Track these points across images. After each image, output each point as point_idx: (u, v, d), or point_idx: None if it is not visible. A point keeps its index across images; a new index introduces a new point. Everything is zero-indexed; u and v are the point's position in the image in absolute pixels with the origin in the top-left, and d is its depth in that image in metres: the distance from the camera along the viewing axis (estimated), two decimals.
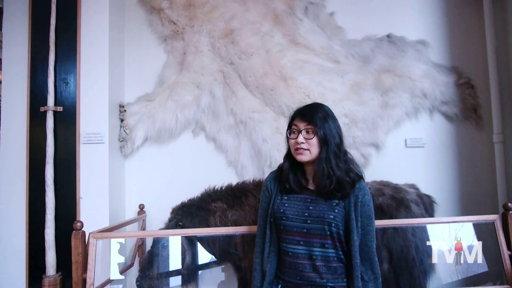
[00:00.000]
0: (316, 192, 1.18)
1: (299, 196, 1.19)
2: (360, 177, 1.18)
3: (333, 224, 1.10)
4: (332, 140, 1.14)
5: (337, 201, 1.14)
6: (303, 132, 1.15)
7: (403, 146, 2.54)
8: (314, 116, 1.15)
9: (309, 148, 1.15)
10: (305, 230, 1.13)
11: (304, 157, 1.16)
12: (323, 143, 1.13)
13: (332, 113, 1.20)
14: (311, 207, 1.15)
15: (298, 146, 1.15)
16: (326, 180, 1.12)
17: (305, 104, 1.27)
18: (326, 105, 1.23)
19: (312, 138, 1.14)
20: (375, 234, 1.16)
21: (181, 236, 1.74)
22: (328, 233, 1.10)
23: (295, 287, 1.14)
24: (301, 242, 1.13)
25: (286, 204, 1.18)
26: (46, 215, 2.02)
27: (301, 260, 1.13)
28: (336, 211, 1.12)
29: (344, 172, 1.14)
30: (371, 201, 1.16)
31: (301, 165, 1.22)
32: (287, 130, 1.23)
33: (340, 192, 1.13)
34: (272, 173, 1.31)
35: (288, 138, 1.22)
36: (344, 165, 1.16)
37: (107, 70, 2.22)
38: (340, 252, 1.11)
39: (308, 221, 1.13)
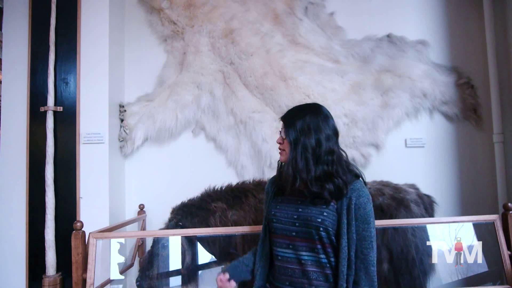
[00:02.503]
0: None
1: (291, 199, 1.16)
2: (357, 177, 1.12)
3: (321, 228, 1.04)
4: (302, 141, 1.07)
5: (327, 203, 1.07)
6: (282, 132, 1.15)
7: (403, 146, 2.54)
8: (288, 116, 1.15)
9: (285, 149, 1.13)
10: (293, 234, 1.09)
11: (282, 157, 1.16)
12: (292, 143, 1.09)
13: (318, 112, 1.13)
14: (300, 210, 1.11)
15: (278, 147, 1.17)
16: (290, 182, 1.07)
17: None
18: (317, 105, 1.17)
19: (285, 139, 1.13)
20: (375, 237, 1.06)
21: (181, 236, 1.74)
22: (317, 237, 1.05)
23: None
24: (290, 246, 1.10)
25: (278, 207, 1.16)
26: (46, 215, 2.02)
27: (290, 265, 1.09)
28: (325, 214, 1.06)
29: (321, 176, 1.06)
30: (369, 203, 1.06)
31: None
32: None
33: (318, 197, 1.06)
34: (273, 176, 1.30)
35: None
36: (322, 168, 1.06)
37: (107, 70, 2.22)
38: (333, 259, 1.05)
39: (297, 224, 1.09)
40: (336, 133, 1.14)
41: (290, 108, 1.21)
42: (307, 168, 1.06)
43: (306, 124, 1.09)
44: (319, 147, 1.08)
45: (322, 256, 1.06)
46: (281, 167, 1.21)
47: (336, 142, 1.13)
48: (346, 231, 1.04)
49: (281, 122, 1.17)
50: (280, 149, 1.17)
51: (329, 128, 1.11)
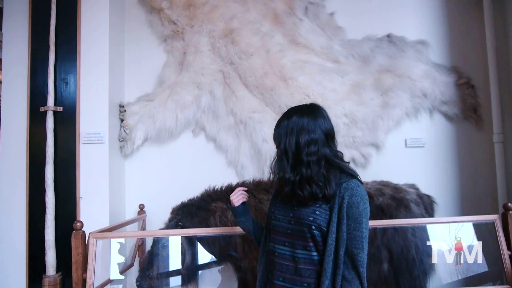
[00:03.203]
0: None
1: (289, 198, 1.15)
2: (353, 176, 1.08)
3: (313, 227, 1.05)
4: (283, 143, 1.08)
5: (319, 203, 1.06)
6: None
7: (403, 146, 2.54)
8: (279, 119, 1.14)
9: None
10: (289, 231, 1.11)
11: None
12: (276, 146, 1.12)
13: (306, 114, 1.09)
14: (295, 208, 1.12)
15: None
16: (282, 185, 1.09)
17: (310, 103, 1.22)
18: (308, 105, 1.14)
19: None
20: (367, 238, 1.03)
21: (181, 236, 1.74)
22: (309, 235, 1.06)
23: None
24: (286, 243, 1.12)
25: (277, 205, 1.18)
26: (46, 215, 2.02)
27: (285, 261, 1.11)
28: (317, 213, 1.05)
29: (295, 181, 1.05)
30: (362, 203, 1.03)
31: None
32: None
33: (299, 200, 1.07)
34: None
35: None
36: (300, 171, 1.05)
37: (107, 70, 2.22)
38: None
39: (292, 222, 1.10)
40: (327, 134, 1.09)
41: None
42: (282, 171, 1.07)
43: (290, 126, 1.08)
44: (298, 150, 1.06)
45: (315, 253, 1.06)
46: None
47: (326, 145, 1.09)
48: (336, 229, 1.03)
49: None
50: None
51: (316, 130, 1.07)
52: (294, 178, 1.06)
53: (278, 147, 1.11)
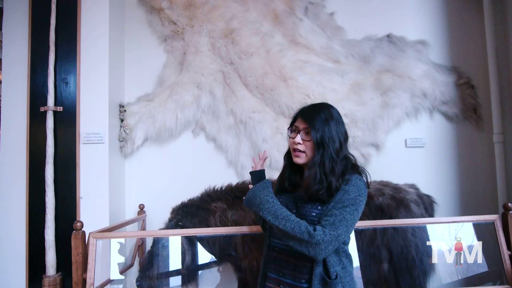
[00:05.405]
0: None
1: (293, 193, 1.19)
2: (358, 173, 1.15)
3: (315, 223, 1.06)
4: (330, 144, 1.09)
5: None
6: (302, 133, 1.13)
7: (403, 146, 2.54)
8: (314, 117, 1.11)
9: (305, 150, 1.12)
10: None
11: (300, 159, 1.14)
12: (319, 146, 1.09)
13: (338, 115, 1.16)
14: (299, 204, 1.14)
15: (295, 147, 1.14)
16: (317, 186, 1.07)
17: (310, 103, 1.23)
18: (333, 107, 1.18)
19: (309, 140, 1.11)
20: (345, 221, 1.03)
21: (181, 236, 1.74)
22: None
23: (276, 284, 1.13)
24: None
25: (280, 199, 1.19)
26: (46, 215, 2.02)
27: (286, 257, 1.13)
28: (319, 208, 1.09)
29: (337, 177, 1.09)
30: (356, 193, 1.06)
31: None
32: (288, 128, 1.21)
33: (327, 197, 1.08)
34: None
35: (289, 137, 1.20)
36: (339, 169, 1.10)
37: (107, 70, 2.22)
38: None
39: None
40: (347, 137, 1.18)
41: (305, 106, 1.20)
42: (331, 171, 1.08)
43: (332, 126, 1.11)
44: (341, 150, 1.12)
45: None
46: (291, 167, 1.22)
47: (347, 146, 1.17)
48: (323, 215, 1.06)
49: (301, 122, 1.15)
50: (299, 150, 1.14)
51: (345, 133, 1.16)
52: (334, 177, 1.09)
53: (323, 150, 1.09)
